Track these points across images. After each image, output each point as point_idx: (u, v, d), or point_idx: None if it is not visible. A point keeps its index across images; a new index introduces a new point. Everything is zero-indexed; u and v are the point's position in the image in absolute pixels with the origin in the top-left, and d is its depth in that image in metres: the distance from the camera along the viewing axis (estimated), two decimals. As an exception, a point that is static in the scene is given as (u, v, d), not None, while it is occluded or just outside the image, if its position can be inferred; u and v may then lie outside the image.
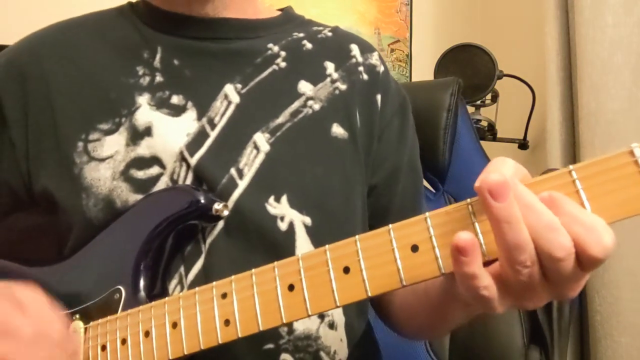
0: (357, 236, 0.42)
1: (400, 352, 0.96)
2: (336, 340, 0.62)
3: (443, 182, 1.12)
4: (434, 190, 1.12)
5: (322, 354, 0.60)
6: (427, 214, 0.41)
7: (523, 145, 1.66)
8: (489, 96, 1.61)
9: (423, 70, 1.82)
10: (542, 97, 1.52)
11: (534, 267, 0.37)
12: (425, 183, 1.09)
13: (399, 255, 0.41)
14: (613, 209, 0.37)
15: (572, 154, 1.42)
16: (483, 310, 0.41)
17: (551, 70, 1.42)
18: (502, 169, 0.38)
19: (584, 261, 0.36)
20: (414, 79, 1.87)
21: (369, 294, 0.42)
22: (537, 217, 0.36)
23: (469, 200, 0.40)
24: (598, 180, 0.37)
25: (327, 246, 0.44)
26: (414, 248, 0.41)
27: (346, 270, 0.42)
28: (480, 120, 1.60)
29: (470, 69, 1.51)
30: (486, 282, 0.38)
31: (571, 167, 0.38)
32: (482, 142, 1.21)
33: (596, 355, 1.31)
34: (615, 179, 0.37)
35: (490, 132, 1.64)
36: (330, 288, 0.43)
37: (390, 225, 0.42)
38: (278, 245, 0.59)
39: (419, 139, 0.77)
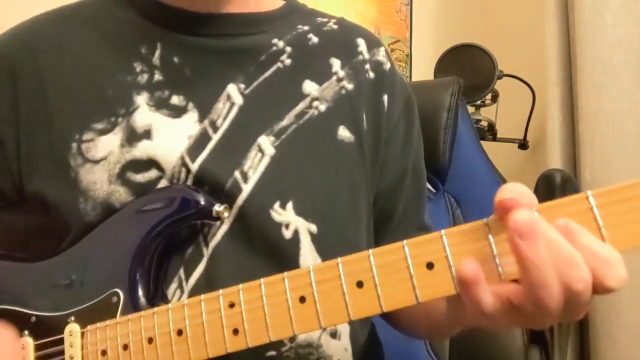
0: (370, 250, 0.42)
1: (400, 352, 0.96)
2: (339, 350, 0.61)
3: (443, 182, 1.12)
4: (434, 190, 1.12)
5: None
6: (442, 231, 0.41)
7: (523, 145, 1.66)
8: (489, 96, 1.61)
9: (423, 70, 1.82)
10: (542, 97, 1.52)
11: (555, 303, 0.37)
12: (426, 183, 1.09)
13: (414, 272, 0.41)
14: (630, 238, 0.37)
15: (572, 154, 1.43)
16: (489, 327, 0.43)
17: (551, 70, 1.42)
18: (524, 200, 0.38)
19: (599, 291, 0.37)
20: (414, 79, 1.87)
21: (384, 310, 0.42)
22: (558, 252, 0.37)
23: (485, 220, 0.40)
24: (616, 209, 0.37)
25: (339, 259, 0.43)
26: (430, 266, 0.41)
27: (359, 284, 0.42)
28: (480, 120, 1.60)
29: (470, 69, 1.51)
30: (490, 307, 0.39)
31: (589, 192, 0.37)
32: (482, 142, 1.21)
33: (596, 355, 1.31)
34: (634, 208, 0.37)
35: (490, 132, 1.64)
36: (344, 302, 0.43)
37: (405, 242, 0.41)
38: (282, 253, 0.58)
39: (419, 139, 0.76)
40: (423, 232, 0.72)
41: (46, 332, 0.55)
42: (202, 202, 0.55)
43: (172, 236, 0.56)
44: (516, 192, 0.38)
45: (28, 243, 0.62)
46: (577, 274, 0.36)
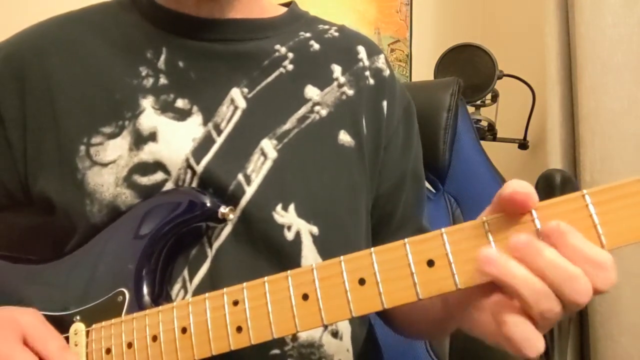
0: (372, 249, 0.43)
1: (400, 352, 0.96)
2: (342, 350, 0.61)
3: (443, 182, 1.12)
4: (434, 190, 1.12)
5: None
6: (443, 230, 0.41)
7: (523, 145, 1.66)
8: (489, 96, 1.61)
9: (423, 70, 1.82)
10: (542, 97, 1.52)
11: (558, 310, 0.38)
12: (426, 183, 1.09)
13: (415, 269, 0.41)
14: (626, 234, 0.37)
15: (572, 154, 1.43)
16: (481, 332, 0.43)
17: (551, 70, 1.42)
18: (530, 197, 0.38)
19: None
20: (414, 79, 1.87)
21: (385, 306, 0.42)
22: (561, 271, 0.37)
23: (485, 218, 0.40)
24: (612, 206, 0.37)
25: (341, 257, 0.44)
26: (430, 263, 0.41)
27: (362, 282, 0.43)
28: (480, 120, 1.60)
29: (470, 69, 1.51)
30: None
31: (585, 191, 0.38)
32: (482, 142, 1.21)
33: (596, 355, 1.31)
34: (629, 205, 0.37)
35: (490, 132, 1.64)
36: (346, 299, 0.43)
37: (406, 240, 0.42)
38: (284, 254, 0.59)
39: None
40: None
41: None
42: (208, 204, 0.56)
43: (178, 237, 0.57)
44: (523, 188, 0.38)
45: (26, 243, 0.62)
46: (580, 288, 0.36)
